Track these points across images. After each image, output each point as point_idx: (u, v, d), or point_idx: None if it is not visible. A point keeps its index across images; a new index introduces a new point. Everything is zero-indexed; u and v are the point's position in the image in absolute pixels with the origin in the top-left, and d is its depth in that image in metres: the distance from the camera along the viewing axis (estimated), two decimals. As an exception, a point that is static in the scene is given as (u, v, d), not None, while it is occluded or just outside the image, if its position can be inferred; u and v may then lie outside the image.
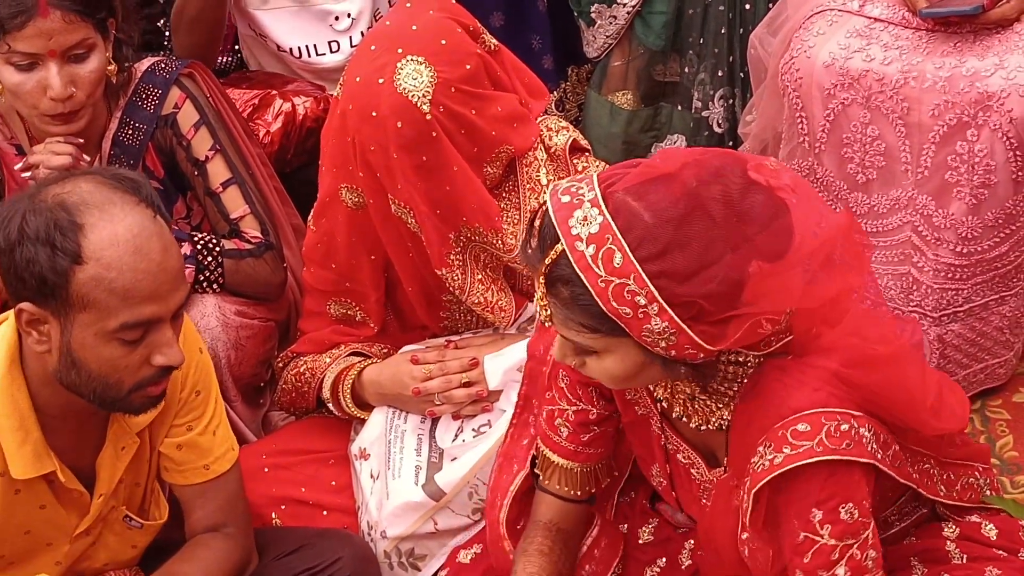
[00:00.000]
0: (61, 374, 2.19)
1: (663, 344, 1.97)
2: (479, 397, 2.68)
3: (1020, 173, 2.93)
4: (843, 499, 2.04)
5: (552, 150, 2.74)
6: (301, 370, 2.86)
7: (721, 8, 3.55)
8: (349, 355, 2.83)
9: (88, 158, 2.77)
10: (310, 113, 3.38)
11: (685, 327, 1.94)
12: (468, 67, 2.54)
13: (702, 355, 2.00)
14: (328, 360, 2.83)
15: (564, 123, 2.82)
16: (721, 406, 2.15)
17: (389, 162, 2.52)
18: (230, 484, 2.51)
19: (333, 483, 2.80)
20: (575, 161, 2.78)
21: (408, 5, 2.60)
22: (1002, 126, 2.88)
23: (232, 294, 2.89)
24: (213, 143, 2.91)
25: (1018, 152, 2.90)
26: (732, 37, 3.56)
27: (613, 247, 1.93)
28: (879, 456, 2.07)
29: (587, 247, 1.94)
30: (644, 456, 2.38)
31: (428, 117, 2.48)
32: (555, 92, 3.92)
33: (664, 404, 2.23)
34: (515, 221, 2.67)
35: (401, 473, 2.67)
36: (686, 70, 3.66)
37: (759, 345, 2.06)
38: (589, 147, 2.86)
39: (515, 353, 2.66)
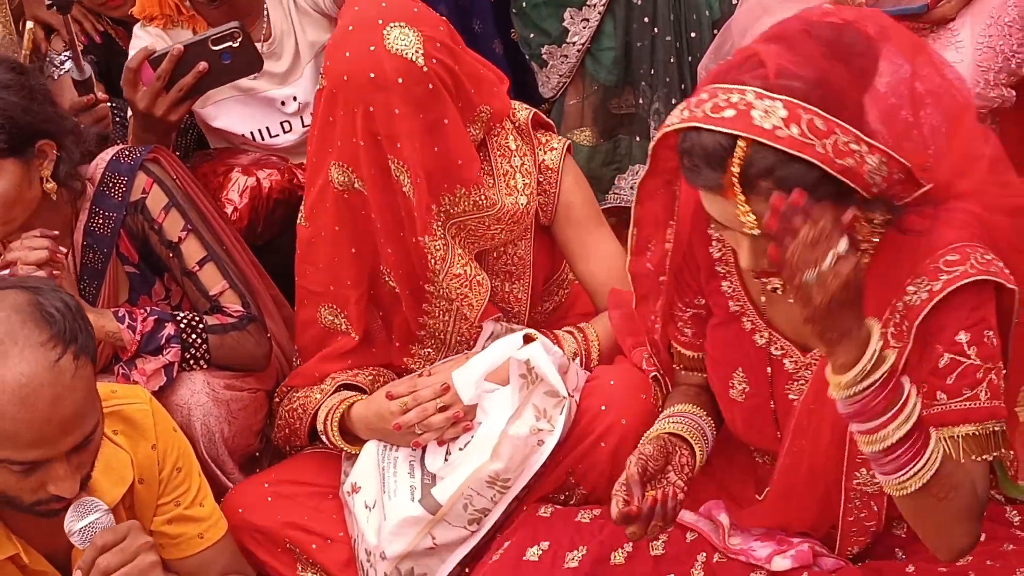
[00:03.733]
0: None
1: (879, 178, 2.08)
2: (457, 419, 2.73)
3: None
4: (987, 324, 2.17)
5: (517, 123, 2.86)
6: (294, 406, 2.93)
7: (668, 39, 3.63)
8: (338, 389, 2.88)
9: (64, 250, 2.80)
10: (275, 185, 3.41)
11: (891, 152, 2.07)
12: (442, 28, 2.68)
13: (904, 175, 2.10)
14: (319, 396, 2.89)
15: (524, 105, 2.92)
16: None
17: (392, 120, 2.61)
18: (227, 551, 2.55)
19: (334, 516, 2.85)
20: (538, 135, 2.88)
21: None
22: (943, 122, 2.95)
23: (220, 369, 2.92)
24: (185, 224, 2.94)
25: (959, 143, 2.97)
26: (682, 65, 3.63)
27: (811, 116, 2.03)
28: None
29: (790, 128, 2.03)
30: (725, 363, 2.47)
31: (425, 70, 2.60)
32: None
33: (779, 291, 2.30)
34: (489, 185, 2.75)
35: (397, 493, 2.72)
36: (640, 101, 3.73)
37: (903, 188, 2.15)
38: (552, 123, 2.97)
39: (481, 363, 2.73)
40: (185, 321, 2.87)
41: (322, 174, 2.77)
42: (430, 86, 2.60)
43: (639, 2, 3.64)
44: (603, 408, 2.71)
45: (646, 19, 3.66)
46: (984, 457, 2.18)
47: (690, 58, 3.61)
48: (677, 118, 2.14)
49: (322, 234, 2.83)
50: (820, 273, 1.98)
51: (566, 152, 2.89)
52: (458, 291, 2.77)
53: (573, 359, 2.81)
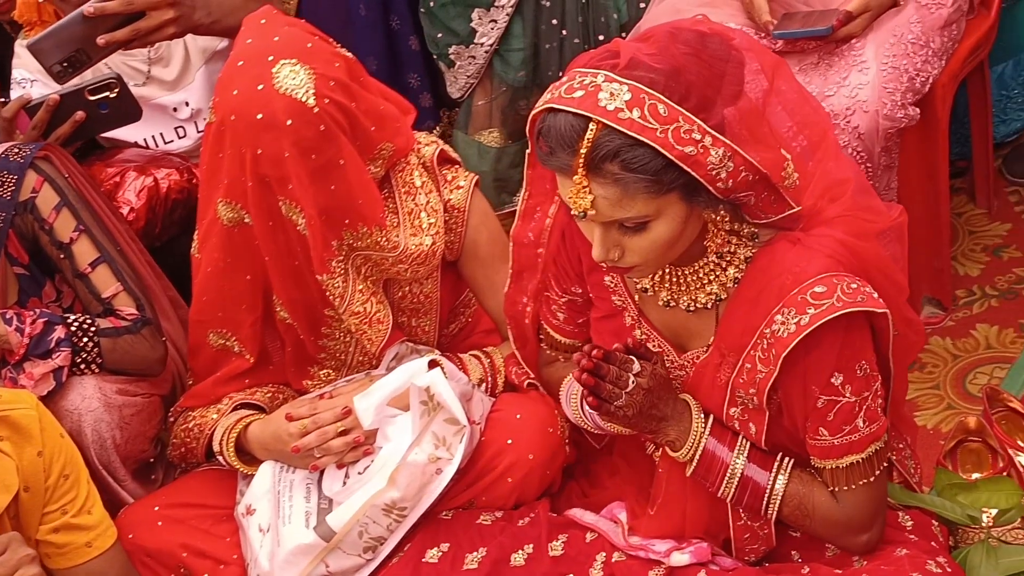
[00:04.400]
0: None
1: (723, 173, 2.13)
2: (357, 443, 2.69)
3: (870, 181, 3.01)
4: (858, 358, 2.27)
5: (422, 160, 2.79)
6: (190, 426, 2.88)
7: (576, 41, 3.62)
8: (236, 408, 2.84)
9: None
10: (174, 185, 3.37)
11: (736, 147, 2.12)
12: (337, 65, 2.58)
13: (752, 176, 2.16)
14: (215, 416, 2.84)
15: (433, 138, 2.88)
16: (712, 280, 2.33)
17: (281, 162, 2.53)
18: (117, 561, 2.52)
19: (227, 539, 2.80)
20: (444, 171, 2.83)
21: (263, 21, 2.62)
22: (850, 142, 2.97)
23: (112, 373, 2.86)
24: (76, 224, 2.88)
25: (867, 164, 3.00)
26: (589, 68, 3.62)
27: (653, 102, 2.10)
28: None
29: (631, 111, 2.09)
30: None
31: (316, 110, 2.51)
32: (435, 130, 3.95)
33: (649, 293, 2.40)
34: (394, 224, 2.70)
35: (292, 519, 2.68)
36: (548, 103, 3.71)
37: (771, 207, 2.25)
38: (458, 158, 2.91)
39: (384, 389, 2.69)
40: (76, 324, 2.81)
41: (211, 209, 2.70)
42: (322, 127, 2.52)
43: (547, 4, 3.63)
44: (509, 442, 2.69)
45: (554, 21, 3.64)
46: (869, 480, 2.34)
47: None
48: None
49: (209, 269, 2.77)
50: (627, 395, 2.32)
51: (473, 188, 2.84)
52: (358, 327, 2.73)
53: (478, 385, 2.79)
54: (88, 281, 2.90)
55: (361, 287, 2.69)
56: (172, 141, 3.53)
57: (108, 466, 2.87)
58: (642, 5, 3.55)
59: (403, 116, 2.74)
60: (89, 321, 2.83)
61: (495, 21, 3.66)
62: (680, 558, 2.52)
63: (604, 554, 2.56)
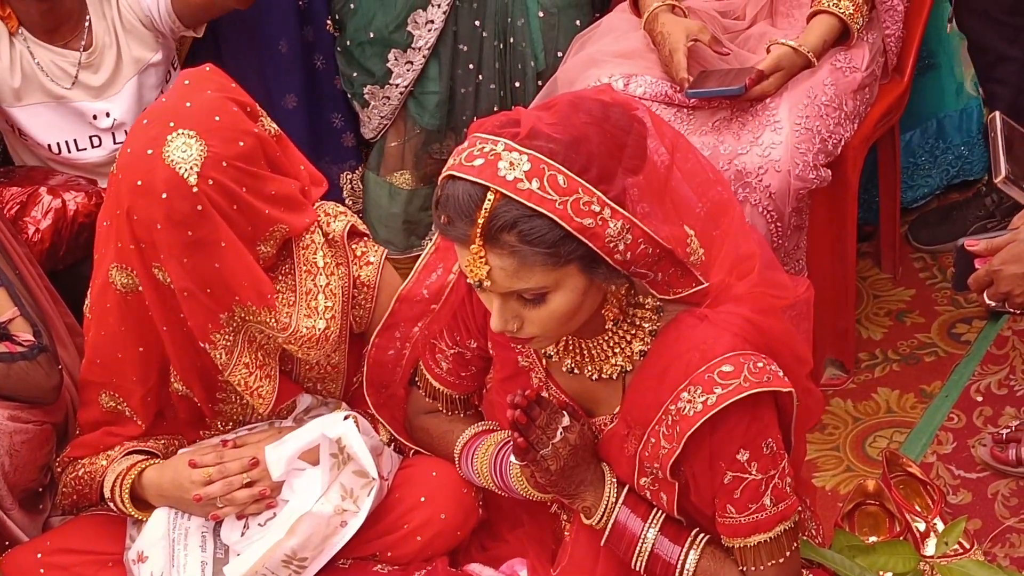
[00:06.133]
0: None
1: (622, 246, 2.10)
2: (262, 496, 2.64)
3: (779, 241, 3.03)
4: (764, 436, 2.25)
5: (330, 236, 2.73)
6: (80, 474, 2.80)
7: (492, 87, 3.62)
8: (128, 454, 2.76)
9: None
10: (82, 208, 3.31)
11: (636, 220, 2.10)
12: (242, 144, 2.51)
13: (652, 249, 2.13)
14: (104, 463, 2.76)
15: (342, 209, 2.82)
16: (617, 352, 2.30)
17: (153, 234, 2.47)
18: None
19: None
20: (353, 246, 2.77)
21: (187, 83, 2.57)
22: (761, 201, 2.98)
23: (4, 399, 2.78)
24: (-27, 247, 2.82)
25: (778, 224, 3.00)
26: (505, 115, 3.62)
27: (553, 172, 2.06)
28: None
29: (531, 182, 2.06)
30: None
31: (195, 190, 2.44)
32: (357, 171, 3.93)
33: (554, 359, 2.38)
34: (291, 303, 2.63)
35: (187, 568, 2.62)
36: (462, 147, 3.70)
37: (677, 281, 2.23)
38: (368, 232, 2.86)
39: (297, 441, 2.64)
40: (-32, 348, 2.74)
41: (104, 269, 2.64)
42: (199, 207, 2.45)
43: (465, 48, 3.63)
44: (423, 499, 2.66)
45: (471, 66, 3.65)
46: (778, 561, 2.32)
47: (513, 107, 3.58)
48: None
49: (102, 333, 2.70)
50: (553, 445, 2.30)
51: (383, 263, 2.80)
52: (244, 391, 2.67)
53: (389, 444, 2.75)
54: (-16, 305, 2.82)
55: (247, 360, 2.63)
56: (85, 150, 3.47)
57: (-6, 494, 2.79)
58: (559, 54, 3.57)
59: (302, 198, 2.66)
60: (-18, 346, 2.76)
61: (411, 63, 3.65)
62: None
63: None
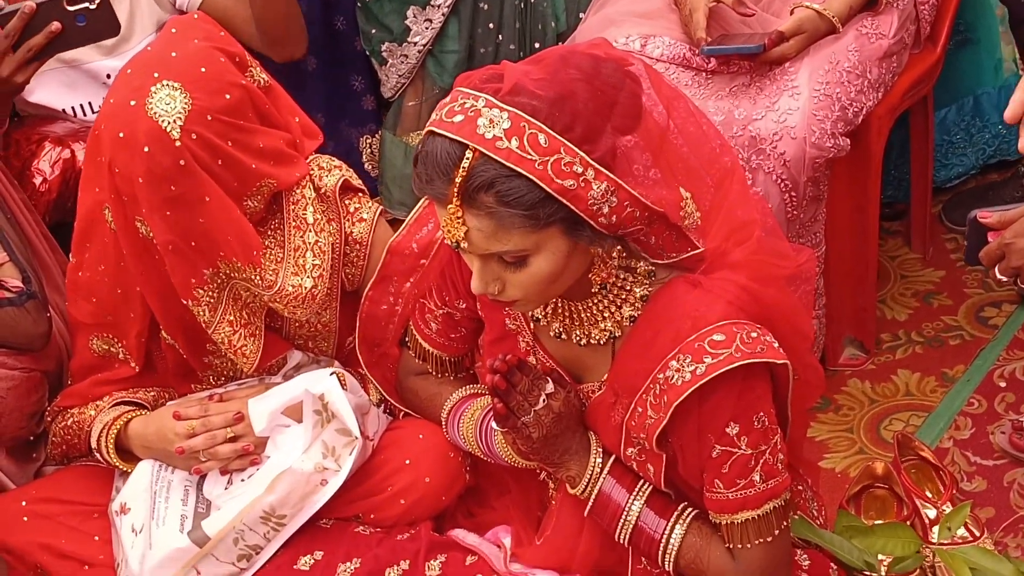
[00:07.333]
0: None
1: (606, 208, 2.02)
2: (245, 452, 2.59)
3: (793, 212, 2.93)
4: (755, 410, 2.17)
5: (322, 190, 2.68)
6: (68, 423, 2.78)
7: (512, 47, 3.57)
8: (116, 405, 2.73)
9: None
10: (91, 160, 3.27)
11: (621, 182, 2.01)
12: (228, 97, 2.45)
13: (639, 212, 2.05)
14: (93, 412, 2.74)
15: (337, 163, 2.76)
16: (607, 317, 2.23)
17: (134, 187, 2.43)
18: None
19: (96, 537, 2.69)
20: (347, 201, 2.72)
21: (173, 31, 2.52)
22: (775, 169, 2.89)
23: (-9, 345, 2.77)
24: (-37, 190, 2.79)
25: (792, 193, 2.91)
26: (524, 76, 3.55)
27: (534, 131, 1.99)
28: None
29: (509, 141, 1.98)
30: None
31: (177, 144, 2.39)
32: (376, 135, 3.87)
33: (542, 323, 2.31)
34: (279, 259, 2.59)
35: (166, 521, 2.59)
36: (480, 108, 3.64)
37: (671, 245, 2.16)
38: (363, 187, 2.79)
39: (281, 396, 2.60)
40: (-45, 292, 2.71)
41: (93, 208, 2.60)
42: (181, 162, 2.39)
43: (485, 7, 3.57)
44: (407, 462, 2.61)
45: (491, 25, 3.59)
46: (766, 539, 2.23)
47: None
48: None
49: (101, 268, 2.65)
50: (535, 412, 2.25)
51: (377, 220, 2.74)
52: (228, 350, 2.62)
53: (379, 405, 2.71)
54: (-28, 250, 2.80)
55: (232, 317, 2.58)
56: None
57: (-21, 440, 2.77)
58: (581, 15, 3.50)
59: (293, 151, 2.60)
60: (-30, 289, 2.73)
61: (430, 20, 3.59)
62: None
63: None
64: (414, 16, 3.59)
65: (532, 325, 2.36)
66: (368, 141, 3.92)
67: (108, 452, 2.67)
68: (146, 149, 2.38)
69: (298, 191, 2.61)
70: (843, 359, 3.41)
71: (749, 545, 2.23)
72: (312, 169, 2.67)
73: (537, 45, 3.54)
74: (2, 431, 2.80)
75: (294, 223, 2.61)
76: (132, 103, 2.40)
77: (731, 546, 2.25)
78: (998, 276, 2.40)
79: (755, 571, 2.26)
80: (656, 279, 2.21)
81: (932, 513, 2.82)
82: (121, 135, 2.40)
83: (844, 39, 3.04)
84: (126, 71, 2.48)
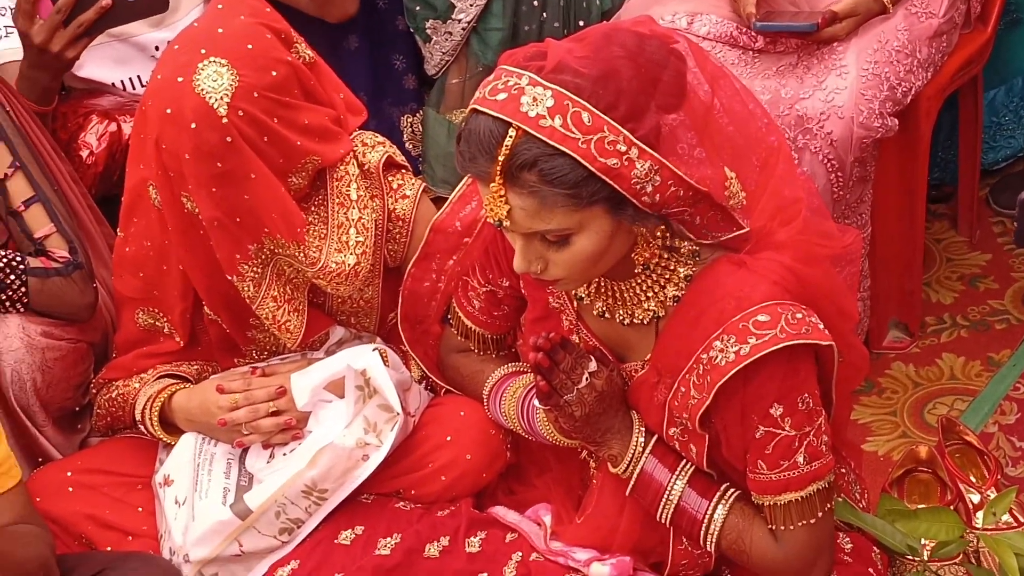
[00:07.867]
0: None
1: (650, 187, 2.01)
2: (287, 426, 2.61)
3: (839, 192, 2.92)
4: (800, 391, 2.16)
5: (366, 166, 2.68)
6: (113, 395, 2.80)
7: (556, 25, 3.56)
8: (160, 378, 2.75)
9: None
10: (137, 134, 3.28)
11: (665, 161, 2.01)
12: (274, 74, 2.47)
13: (683, 192, 2.04)
14: (137, 385, 2.76)
15: (381, 139, 2.76)
16: (651, 296, 2.23)
17: (180, 164, 2.44)
18: (19, 501, 2.41)
19: (140, 509, 2.72)
20: (390, 178, 2.72)
21: (220, 7, 2.53)
22: (822, 148, 2.87)
23: (38, 315, 2.78)
24: (12, 160, 2.78)
25: (839, 173, 2.89)
26: (568, 54, 3.54)
27: (578, 109, 1.98)
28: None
29: (553, 119, 1.98)
30: None
31: (224, 121, 2.40)
32: (418, 114, 3.87)
33: (585, 302, 2.31)
34: (322, 235, 2.59)
35: (209, 494, 2.61)
36: (524, 86, 3.63)
37: (716, 225, 2.15)
38: (407, 164, 2.79)
39: (323, 371, 2.61)
40: (4, 261, 2.73)
41: (139, 185, 2.61)
42: (228, 138, 2.40)
43: (529, -15, 3.56)
44: (448, 439, 2.61)
45: (535, 3, 3.58)
46: (809, 521, 2.23)
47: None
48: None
49: (147, 243, 2.67)
50: (578, 391, 2.24)
51: (420, 196, 2.74)
52: (271, 325, 2.63)
53: (420, 382, 2.71)
54: (21, 219, 2.81)
55: (276, 292, 2.59)
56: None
57: (27, 409, 2.80)
58: (626, -7, 3.48)
59: (338, 128, 2.61)
60: (18, 259, 2.75)
61: (474, -2, 3.59)
62: (600, 569, 2.42)
63: (520, 554, 2.49)
64: (458, -8, 3.59)
65: (575, 304, 2.36)
66: (409, 120, 3.92)
67: (152, 424, 2.69)
68: (193, 126, 2.39)
69: (342, 168, 2.62)
70: (887, 342, 3.40)
71: (792, 527, 2.23)
72: (356, 146, 2.68)
73: (581, 23, 3.52)
74: (49, 400, 2.83)
75: (338, 200, 2.62)
76: (179, 79, 2.41)
77: (774, 528, 2.24)
78: None
79: (798, 553, 2.25)
80: (700, 259, 2.20)
81: (976, 498, 2.80)
82: (168, 111, 2.41)
83: (893, 18, 3.03)
84: (173, 47, 2.49)
